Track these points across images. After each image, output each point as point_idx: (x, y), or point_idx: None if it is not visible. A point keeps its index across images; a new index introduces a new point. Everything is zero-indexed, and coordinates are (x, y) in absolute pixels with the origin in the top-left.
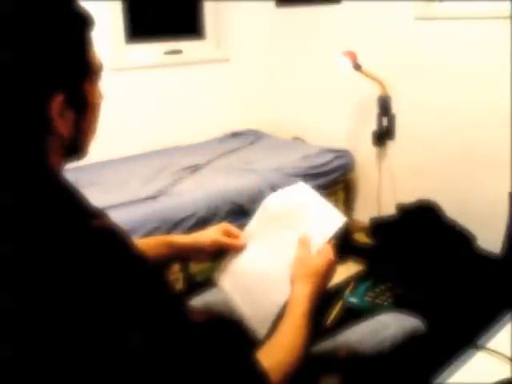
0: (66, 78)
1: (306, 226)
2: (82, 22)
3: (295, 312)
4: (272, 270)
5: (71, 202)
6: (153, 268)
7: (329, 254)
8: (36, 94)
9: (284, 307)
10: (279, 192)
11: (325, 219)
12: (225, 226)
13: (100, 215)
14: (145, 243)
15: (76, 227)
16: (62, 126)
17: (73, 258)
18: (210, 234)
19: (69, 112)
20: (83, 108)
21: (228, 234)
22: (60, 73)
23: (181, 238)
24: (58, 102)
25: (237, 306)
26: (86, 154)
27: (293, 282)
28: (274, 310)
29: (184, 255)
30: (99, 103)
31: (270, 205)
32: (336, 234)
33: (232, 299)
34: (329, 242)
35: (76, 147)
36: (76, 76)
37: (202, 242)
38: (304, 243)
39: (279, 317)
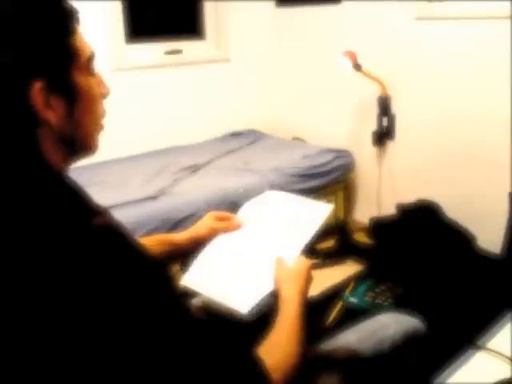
0: (45, 63)
1: (291, 224)
2: (62, 11)
3: (288, 312)
4: (255, 265)
5: (72, 199)
6: (156, 265)
7: (305, 260)
8: (10, 83)
9: (270, 299)
10: (252, 200)
11: (310, 211)
12: (213, 213)
13: (102, 213)
14: (144, 242)
15: (76, 224)
16: (51, 114)
17: (73, 257)
18: (205, 224)
19: (56, 100)
20: (73, 96)
21: (220, 220)
22: (36, 59)
23: (179, 235)
24: (37, 89)
25: (211, 292)
26: (93, 150)
27: (279, 285)
28: (259, 293)
29: (184, 251)
30: (95, 93)
31: (246, 212)
32: (325, 221)
33: (203, 289)
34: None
35: (76, 141)
36: (58, 62)
37: (201, 234)
38: (281, 258)
39: (269, 317)
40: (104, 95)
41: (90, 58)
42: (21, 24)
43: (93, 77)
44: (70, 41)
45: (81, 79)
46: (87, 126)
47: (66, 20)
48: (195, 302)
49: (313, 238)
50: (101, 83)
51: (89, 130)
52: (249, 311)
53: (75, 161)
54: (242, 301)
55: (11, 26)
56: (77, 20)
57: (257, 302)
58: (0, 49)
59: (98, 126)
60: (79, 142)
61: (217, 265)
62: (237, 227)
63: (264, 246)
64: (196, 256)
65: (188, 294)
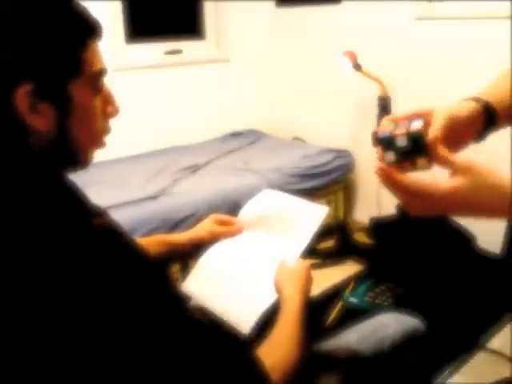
0: (37, 67)
1: (289, 228)
2: (76, 22)
3: (289, 311)
4: (256, 271)
5: (72, 200)
6: (155, 265)
7: (304, 261)
8: None
9: (270, 309)
10: (251, 202)
11: (307, 215)
12: (215, 216)
13: (101, 214)
14: (144, 242)
15: (77, 226)
16: (37, 120)
17: (74, 257)
18: (205, 227)
19: (46, 107)
20: (66, 107)
21: (221, 223)
22: (28, 61)
23: (179, 236)
24: (22, 92)
25: (213, 305)
26: (85, 165)
27: (280, 287)
28: (259, 309)
29: (183, 252)
30: (95, 110)
31: (246, 215)
32: (322, 224)
33: (206, 299)
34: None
35: (68, 153)
36: (55, 69)
37: (201, 237)
38: (282, 261)
39: (271, 317)
40: (110, 114)
41: (98, 75)
42: (20, 25)
43: (97, 94)
44: (77, 52)
45: (80, 93)
46: (81, 141)
47: (77, 31)
48: (194, 302)
49: (310, 242)
50: (109, 101)
51: (83, 145)
52: (250, 331)
53: (66, 172)
54: (243, 321)
55: (8, 25)
56: (94, 34)
57: (257, 319)
58: None
59: (94, 143)
60: (71, 155)
61: (217, 273)
62: (237, 232)
63: (264, 253)
64: (196, 260)
65: (187, 295)
